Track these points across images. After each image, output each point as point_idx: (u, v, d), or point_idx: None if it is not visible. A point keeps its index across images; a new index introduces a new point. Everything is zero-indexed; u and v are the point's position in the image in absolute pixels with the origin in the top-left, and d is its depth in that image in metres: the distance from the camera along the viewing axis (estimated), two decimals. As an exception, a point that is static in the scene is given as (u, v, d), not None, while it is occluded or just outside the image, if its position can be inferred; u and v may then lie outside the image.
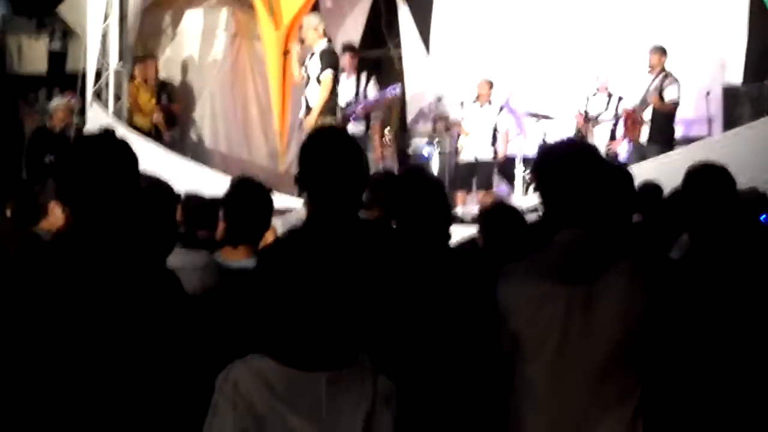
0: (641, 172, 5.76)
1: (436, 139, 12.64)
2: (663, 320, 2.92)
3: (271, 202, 4.20)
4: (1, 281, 2.61)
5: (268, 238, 4.37)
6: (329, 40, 10.34)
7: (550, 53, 12.72)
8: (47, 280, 2.59)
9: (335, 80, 10.10)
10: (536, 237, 3.68)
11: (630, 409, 2.88)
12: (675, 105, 10.98)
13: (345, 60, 11.26)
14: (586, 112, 11.82)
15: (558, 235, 2.98)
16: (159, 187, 3.58)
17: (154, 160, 8.52)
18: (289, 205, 7.31)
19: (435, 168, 11.98)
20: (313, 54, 10.17)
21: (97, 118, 11.27)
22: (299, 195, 3.26)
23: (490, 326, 3.04)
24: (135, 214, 2.83)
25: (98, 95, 11.84)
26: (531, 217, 5.27)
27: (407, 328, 3.06)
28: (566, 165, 2.99)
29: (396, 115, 13.65)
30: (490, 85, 12.11)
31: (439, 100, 13.35)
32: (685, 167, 3.70)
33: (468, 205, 11.45)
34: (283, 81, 11.49)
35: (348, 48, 11.66)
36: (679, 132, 11.39)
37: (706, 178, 3.59)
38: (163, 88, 12.71)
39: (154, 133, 11.95)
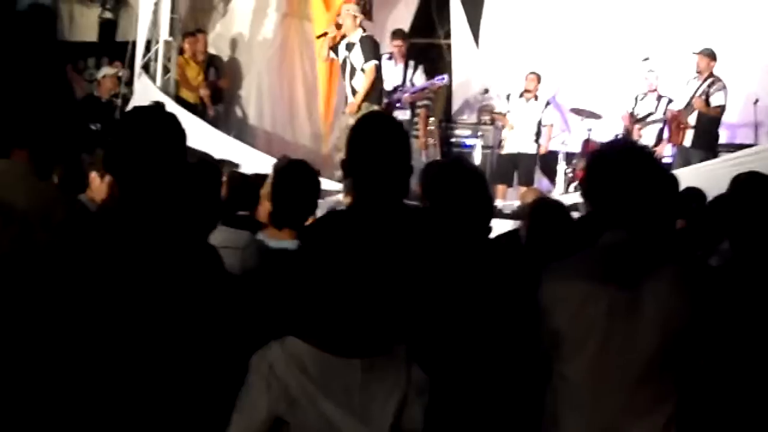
0: (684, 176, 5.71)
1: (480, 132, 12.62)
2: (703, 329, 2.90)
3: (318, 186, 4.18)
4: (48, 248, 2.64)
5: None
6: (364, 30, 10.42)
7: (599, 51, 12.64)
8: (92, 251, 2.61)
9: (378, 70, 10.21)
10: (579, 235, 3.66)
11: (664, 416, 2.87)
12: (721, 110, 10.86)
13: (394, 46, 11.27)
14: (634, 113, 11.72)
15: (604, 236, 2.95)
16: (206, 163, 3.60)
17: (198, 135, 8.55)
18: (330, 188, 7.32)
19: (477, 160, 11.95)
20: (349, 43, 10.25)
21: (145, 90, 11.31)
22: (344, 179, 3.26)
23: (529, 322, 3.03)
24: (181, 189, 2.85)
25: (146, 67, 11.89)
26: (572, 215, 5.23)
27: (444, 319, 3.05)
28: (622, 165, 2.95)
29: (441, 104, 13.62)
30: (539, 79, 12.06)
31: (485, 91, 13.33)
32: (728, 175, 3.67)
33: (508, 199, 11.42)
34: (330, 63, 11.50)
35: (398, 34, 11.64)
36: (724, 137, 11.28)
37: (753, 186, 3.57)
38: (211, 63, 12.73)
39: (199, 108, 11.99)
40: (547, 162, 12.28)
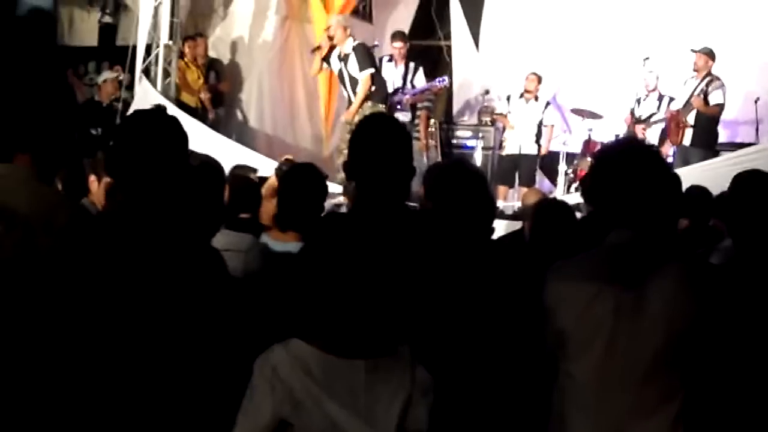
0: (685, 175, 5.71)
1: (480, 133, 12.62)
2: (709, 327, 2.90)
3: (325, 190, 4.18)
4: (51, 252, 2.63)
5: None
6: (354, 39, 10.52)
7: (599, 51, 12.66)
8: (95, 255, 2.61)
9: (377, 74, 10.36)
10: (583, 235, 3.65)
11: (671, 414, 2.86)
12: (719, 109, 10.85)
13: (394, 48, 11.30)
14: (635, 114, 11.72)
15: (610, 235, 2.95)
16: (209, 166, 3.59)
17: (199, 138, 8.55)
18: (331, 191, 7.32)
19: (478, 161, 11.97)
20: (342, 54, 10.38)
21: (146, 94, 11.30)
22: (346, 181, 3.26)
23: (534, 322, 3.02)
24: (184, 192, 2.85)
25: (147, 71, 11.88)
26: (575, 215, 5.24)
27: (448, 320, 3.04)
28: (628, 164, 2.94)
29: (442, 106, 13.64)
30: (539, 80, 12.08)
31: (486, 93, 13.37)
32: (729, 174, 3.67)
33: (509, 200, 11.42)
34: (330, 73, 11.51)
35: (398, 36, 11.65)
36: (724, 136, 11.28)
37: (754, 184, 3.57)
38: (211, 66, 12.73)
39: (200, 112, 11.98)
40: (548, 163, 12.29)
